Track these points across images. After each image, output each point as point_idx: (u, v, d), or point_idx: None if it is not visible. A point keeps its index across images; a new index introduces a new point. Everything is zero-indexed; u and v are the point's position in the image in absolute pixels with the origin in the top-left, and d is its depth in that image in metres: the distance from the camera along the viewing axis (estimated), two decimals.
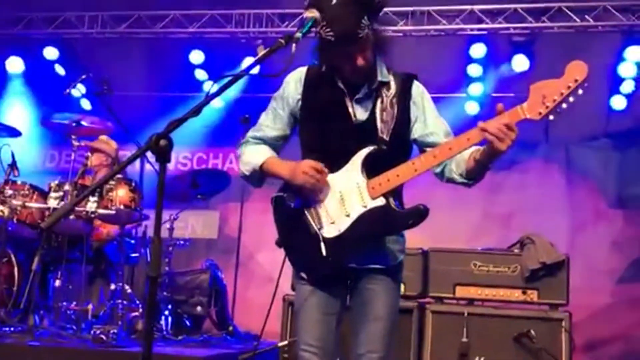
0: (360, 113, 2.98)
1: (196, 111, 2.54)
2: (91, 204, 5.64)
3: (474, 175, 2.91)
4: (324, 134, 3.01)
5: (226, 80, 2.67)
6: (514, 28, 7.51)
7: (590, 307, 7.05)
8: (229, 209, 8.24)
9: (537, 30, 7.48)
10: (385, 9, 3.02)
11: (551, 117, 2.72)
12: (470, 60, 7.75)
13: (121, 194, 5.80)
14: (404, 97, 3.01)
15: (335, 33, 2.80)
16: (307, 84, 3.06)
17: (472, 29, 7.61)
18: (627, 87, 7.52)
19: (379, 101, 2.98)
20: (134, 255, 6.34)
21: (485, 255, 5.29)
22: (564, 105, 2.69)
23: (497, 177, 7.58)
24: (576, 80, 2.66)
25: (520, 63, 7.54)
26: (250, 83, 7.90)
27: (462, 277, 5.24)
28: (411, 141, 3.04)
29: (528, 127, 2.79)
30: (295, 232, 3.00)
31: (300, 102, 3.07)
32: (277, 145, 3.13)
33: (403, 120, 2.98)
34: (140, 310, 5.75)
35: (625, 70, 7.43)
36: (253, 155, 3.06)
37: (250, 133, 3.15)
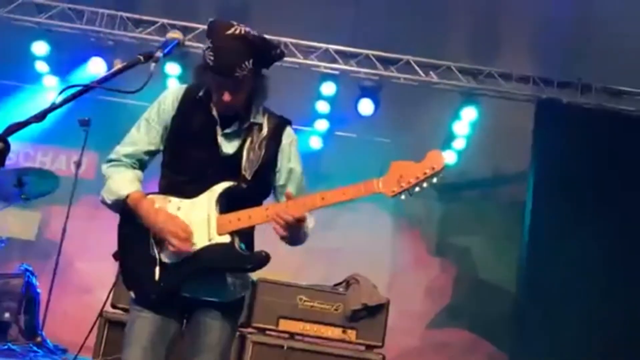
0: (227, 147, 2.94)
1: (40, 117, 2.43)
2: None
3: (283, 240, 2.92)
4: (188, 157, 2.95)
5: (76, 89, 2.56)
6: (365, 73, 7.76)
7: (401, 349, 7.37)
8: (52, 211, 7.85)
9: (385, 78, 7.78)
10: None
11: (402, 197, 2.81)
12: (320, 97, 7.92)
13: None
14: (273, 141, 3.00)
15: (214, 60, 2.78)
16: (183, 103, 3.00)
17: (325, 67, 7.79)
18: (459, 144, 7.99)
19: (248, 140, 2.95)
20: None
21: (312, 291, 5.38)
22: (417, 189, 2.79)
23: (327, 214, 7.74)
24: (433, 169, 2.76)
25: (366, 107, 7.78)
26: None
27: (287, 311, 5.29)
28: (272, 185, 3.04)
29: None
30: (134, 249, 2.91)
31: (172, 120, 2.99)
32: (148, 160, 3.04)
33: (268, 164, 2.98)
34: None
35: (460, 128, 7.88)
36: (119, 184, 2.93)
37: (122, 149, 3.01)
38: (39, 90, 8.14)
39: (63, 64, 7.81)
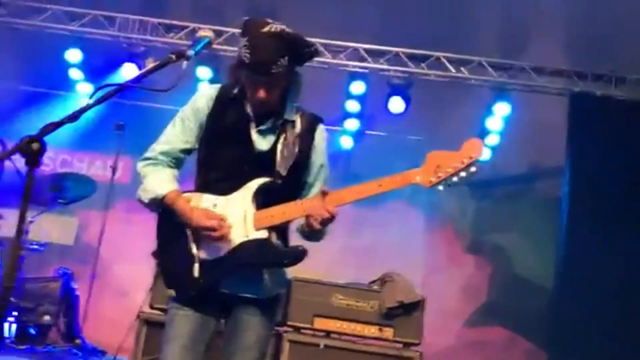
0: (261, 143, 2.96)
1: (74, 117, 2.46)
2: None
3: (305, 236, 2.98)
4: (223, 155, 2.97)
5: (109, 88, 2.60)
6: (394, 71, 7.73)
7: (438, 347, 7.31)
8: (90, 216, 7.95)
9: (415, 75, 7.74)
10: None
11: (440, 187, 2.78)
12: (350, 96, 7.91)
13: None
14: (307, 139, 3.02)
15: (250, 57, 2.80)
16: (218, 102, 3.02)
17: (354, 66, 7.78)
18: (493, 140, 7.92)
19: (282, 137, 2.97)
20: None
21: (347, 289, 5.36)
22: (455, 179, 2.75)
23: (361, 212, 7.75)
24: (471, 157, 2.73)
25: (396, 105, 7.75)
26: (127, 89, 7.66)
27: (322, 309, 5.28)
28: (303, 181, 3.05)
29: None
30: (173, 247, 2.94)
31: (207, 118, 3.01)
32: (183, 158, 3.07)
33: (302, 161, 2.99)
34: None
35: (493, 123, 7.82)
36: (156, 183, 2.96)
37: (158, 147, 3.05)
38: (74, 97, 8.26)
39: (96, 71, 7.92)
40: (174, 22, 7.85)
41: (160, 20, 7.86)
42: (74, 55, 7.88)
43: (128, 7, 7.86)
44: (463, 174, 2.74)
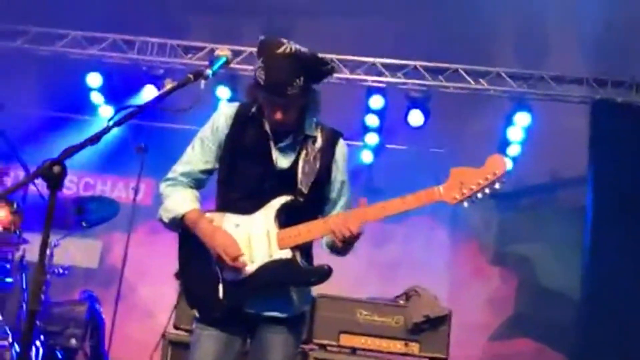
0: (282, 161, 2.97)
1: (94, 139, 2.49)
2: None
3: (334, 251, 2.99)
4: (244, 173, 2.98)
5: (129, 110, 2.62)
6: (412, 84, 7.72)
7: None
8: (113, 239, 8.00)
9: (434, 88, 7.72)
10: None
11: (465, 204, 2.77)
12: (369, 111, 7.91)
13: (1, 215, 5.50)
14: (327, 154, 3.02)
15: (266, 79, 2.80)
16: (237, 120, 3.03)
17: (372, 81, 7.78)
18: (514, 150, 7.86)
19: (303, 153, 2.97)
20: (8, 280, 6.00)
21: (372, 305, 5.34)
22: (480, 196, 2.75)
23: (385, 228, 7.72)
24: (495, 174, 2.72)
25: (415, 118, 7.73)
26: (147, 111, 7.71)
27: (348, 325, 5.26)
28: (327, 197, 3.04)
29: None
30: (196, 268, 2.94)
31: (226, 137, 3.02)
32: (204, 179, 3.08)
33: (323, 177, 2.99)
34: (10, 339, 5.42)
35: (514, 134, 7.76)
36: (176, 203, 2.98)
37: (178, 168, 3.07)
38: (96, 121, 8.33)
39: (117, 94, 7.99)
40: (192, 43, 7.91)
41: (179, 42, 7.92)
42: (94, 79, 7.95)
43: (146, 30, 7.92)
44: (487, 190, 2.73)
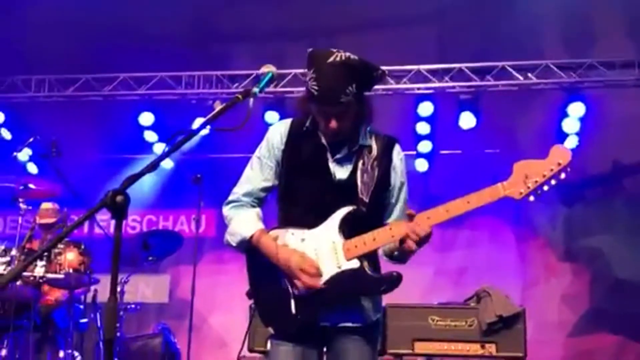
0: (340, 172, 2.97)
1: (152, 167, 2.52)
2: (39, 269, 5.47)
3: (394, 258, 2.97)
4: (303, 188, 2.99)
5: (182, 137, 2.65)
6: (460, 86, 7.66)
7: None
8: (180, 272, 8.10)
9: (482, 88, 7.65)
10: None
11: (531, 198, 2.71)
12: (419, 119, 7.87)
13: (70, 257, 5.64)
14: (385, 161, 3.01)
15: (319, 89, 2.82)
16: (291, 136, 3.05)
17: (419, 88, 7.74)
18: (571, 142, 7.69)
19: (360, 162, 2.96)
20: (83, 320, 6.14)
21: (443, 310, 5.27)
22: (546, 188, 2.69)
23: (448, 234, 7.64)
24: (559, 164, 2.67)
25: (466, 120, 7.66)
26: (200, 143, 7.87)
27: (421, 333, 5.19)
28: (387, 203, 3.03)
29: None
30: (266, 285, 2.95)
31: (282, 154, 3.04)
32: (265, 196, 3.10)
33: (382, 184, 2.98)
34: None
35: (569, 126, 7.60)
36: (241, 225, 2.99)
37: (239, 189, 3.09)
38: (152, 159, 8.47)
39: (170, 130, 8.12)
40: (237, 72, 8.02)
41: (224, 72, 8.05)
42: (146, 118, 8.12)
43: (191, 65, 8.07)
44: (553, 181, 2.66)
